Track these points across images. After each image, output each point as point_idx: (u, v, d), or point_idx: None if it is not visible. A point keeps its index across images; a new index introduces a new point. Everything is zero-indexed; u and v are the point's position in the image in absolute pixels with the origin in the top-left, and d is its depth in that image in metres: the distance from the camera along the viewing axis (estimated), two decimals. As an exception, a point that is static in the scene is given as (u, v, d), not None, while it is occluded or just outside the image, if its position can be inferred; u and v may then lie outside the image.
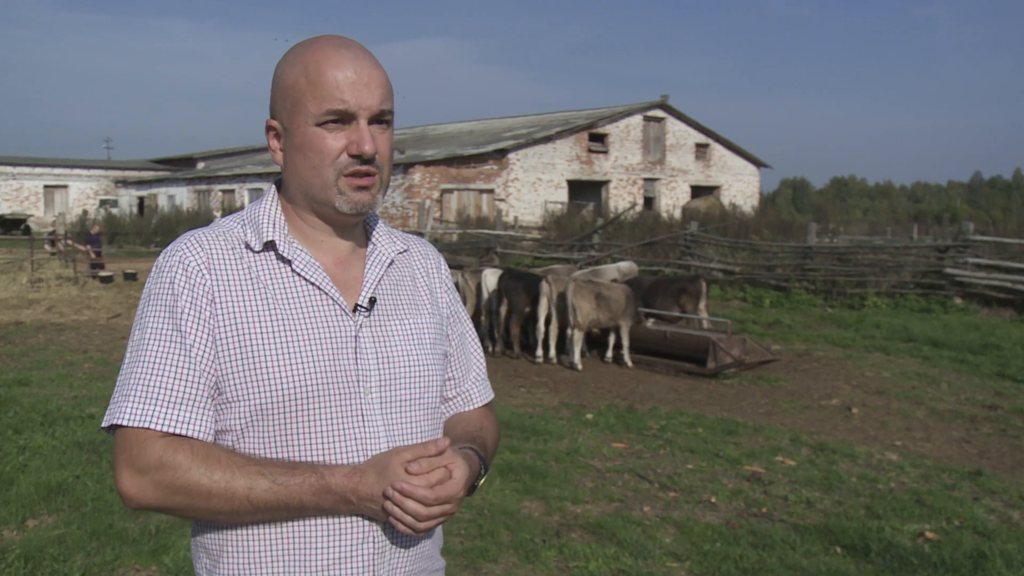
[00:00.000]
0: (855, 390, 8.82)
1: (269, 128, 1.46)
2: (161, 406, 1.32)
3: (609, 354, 10.26)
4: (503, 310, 10.76)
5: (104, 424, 1.35)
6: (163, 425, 1.31)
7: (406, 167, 30.90)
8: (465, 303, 11.13)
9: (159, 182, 45.87)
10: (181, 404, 1.33)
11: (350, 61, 1.38)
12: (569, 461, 5.96)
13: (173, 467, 1.30)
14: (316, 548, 1.36)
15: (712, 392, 8.74)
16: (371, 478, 1.32)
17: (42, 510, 4.70)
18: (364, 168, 1.39)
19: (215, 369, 1.35)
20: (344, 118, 1.38)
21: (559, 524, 4.74)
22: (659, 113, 38.31)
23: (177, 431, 1.32)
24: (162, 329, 1.35)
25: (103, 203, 44.69)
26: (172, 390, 1.33)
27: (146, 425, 1.31)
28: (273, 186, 1.51)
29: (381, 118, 1.41)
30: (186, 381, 1.33)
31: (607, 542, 4.46)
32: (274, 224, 1.44)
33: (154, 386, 1.32)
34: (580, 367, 9.86)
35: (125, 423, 1.31)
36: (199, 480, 1.29)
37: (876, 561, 4.26)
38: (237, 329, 1.36)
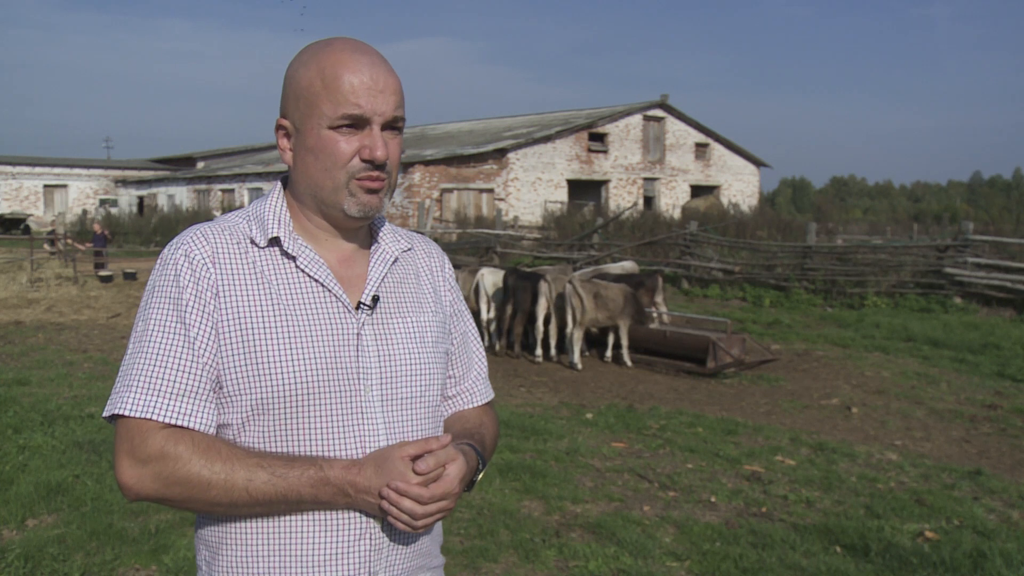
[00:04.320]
0: (855, 390, 8.82)
1: (279, 127, 1.46)
2: (164, 397, 1.32)
3: (608, 354, 10.26)
4: (508, 309, 10.76)
5: (105, 413, 1.36)
6: (165, 416, 1.32)
7: (406, 166, 30.89)
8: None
9: (159, 182, 45.85)
10: (184, 396, 1.33)
11: (367, 67, 1.39)
12: (569, 461, 5.96)
13: (174, 458, 1.30)
14: (312, 543, 1.36)
15: (712, 392, 8.74)
16: (369, 471, 1.33)
17: (42, 510, 4.70)
18: (375, 173, 1.40)
19: (217, 363, 1.36)
20: (358, 123, 1.38)
21: (559, 524, 4.74)
22: (659, 113, 38.31)
23: (179, 423, 1.33)
24: (166, 321, 1.36)
25: (103, 203, 44.69)
26: (175, 382, 1.33)
27: (148, 416, 1.31)
28: (279, 183, 1.51)
29: (393, 124, 1.42)
30: (189, 373, 1.34)
31: (607, 542, 4.46)
32: (279, 221, 1.44)
33: (157, 377, 1.33)
34: (580, 367, 9.86)
35: (127, 413, 1.32)
36: (199, 472, 1.30)
37: (876, 561, 4.26)
38: (240, 324, 1.36)
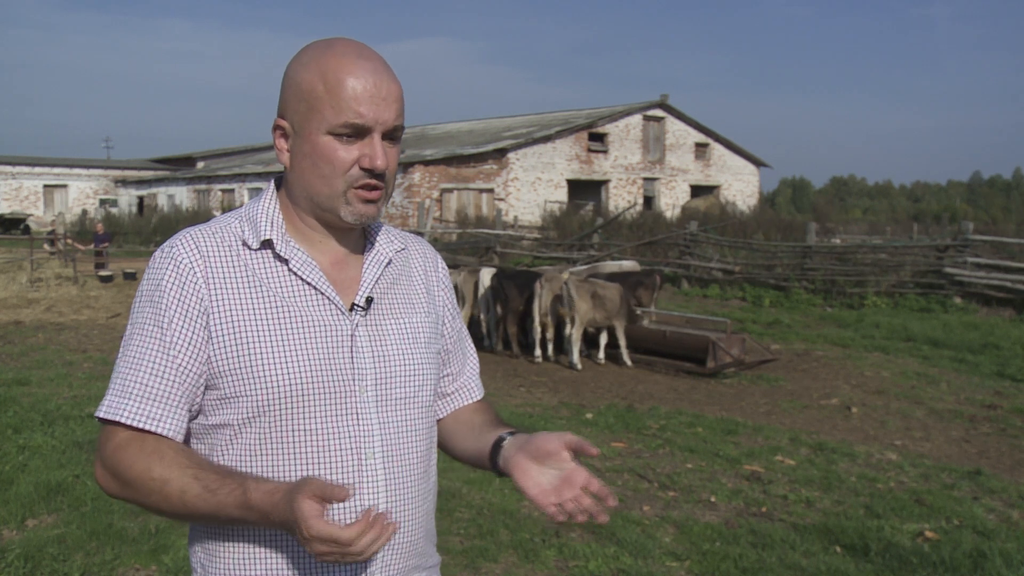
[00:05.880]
0: (855, 390, 8.82)
1: (277, 127, 1.44)
2: (133, 400, 1.34)
3: (601, 354, 10.25)
4: (498, 310, 10.77)
5: (95, 415, 1.39)
6: (131, 419, 1.33)
7: (406, 167, 30.90)
8: (463, 303, 11.14)
9: (159, 182, 45.86)
10: (154, 400, 1.34)
11: (370, 72, 1.37)
12: (569, 461, 5.96)
13: (118, 461, 1.32)
14: None
15: (712, 392, 8.74)
16: (280, 500, 1.23)
17: (42, 510, 4.70)
18: (373, 182, 1.39)
19: (208, 367, 1.36)
20: (359, 131, 1.37)
21: (558, 523, 4.73)
22: (659, 112, 38.31)
23: (143, 426, 1.33)
24: (145, 325, 1.37)
25: (103, 203, 44.68)
26: (146, 385, 1.34)
27: (115, 418, 1.34)
28: (272, 184, 1.50)
29: (393, 134, 1.41)
30: (161, 377, 1.34)
31: (606, 541, 4.46)
32: (272, 223, 1.44)
33: (130, 381, 1.35)
34: (579, 367, 9.86)
35: (101, 415, 1.35)
36: (139, 476, 1.31)
37: (875, 560, 4.26)
38: (233, 327, 1.36)
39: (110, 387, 1.37)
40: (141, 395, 1.34)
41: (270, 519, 1.25)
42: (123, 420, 1.33)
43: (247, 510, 1.26)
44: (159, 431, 1.34)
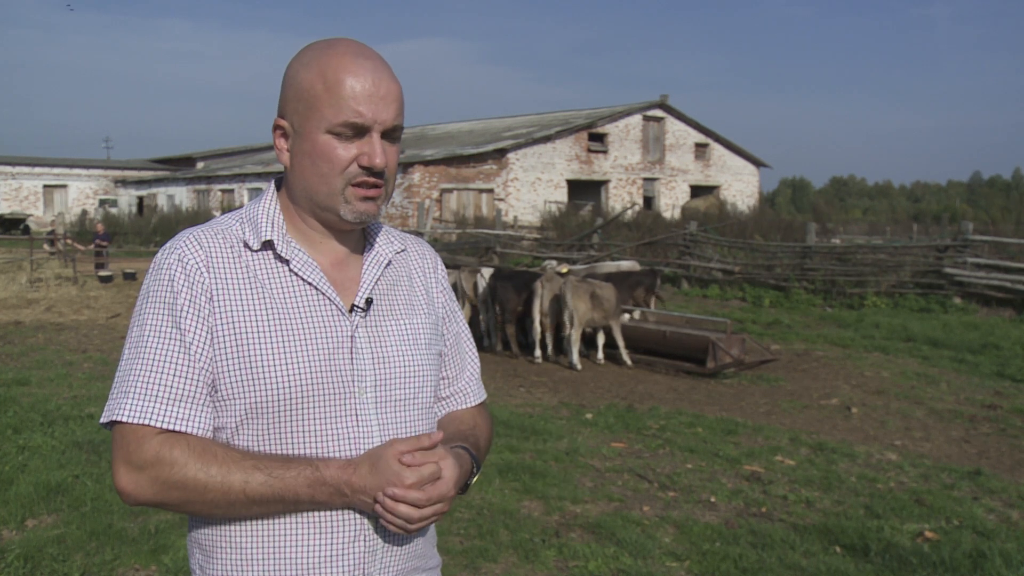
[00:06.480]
0: (855, 390, 8.82)
1: (277, 127, 1.45)
2: (161, 403, 1.32)
3: (600, 355, 10.24)
4: (497, 310, 10.77)
5: (103, 420, 1.36)
6: (162, 422, 1.32)
7: (406, 167, 30.91)
8: (463, 303, 11.14)
9: (158, 182, 45.86)
10: (181, 401, 1.33)
11: (370, 72, 1.38)
12: (568, 461, 5.96)
13: (169, 463, 1.30)
14: (307, 546, 1.36)
15: (711, 392, 8.74)
16: (364, 471, 1.32)
17: (41, 510, 4.70)
18: (372, 180, 1.40)
19: (212, 367, 1.36)
20: (358, 130, 1.38)
21: (558, 524, 4.74)
22: (658, 113, 38.32)
23: (176, 428, 1.33)
24: (162, 326, 1.35)
25: (102, 203, 44.67)
26: (172, 387, 1.33)
27: (145, 422, 1.31)
28: (272, 185, 1.51)
29: (392, 133, 1.41)
30: (186, 378, 1.34)
31: (606, 542, 4.46)
32: (272, 224, 1.44)
33: (154, 383, 1.33)
34: (579, 367, 9.86)
35: (125, 419, 1.32)
36: (195, 476, 1.30)
37: (875, 561, 4.26)
38: (234, 327, 1.36)
39: (128, 390, 1.33)
40: (168, 397, 1.33)
41: (341, 492, 1.33)
42: (155, 423, 1.31)
43: (319, 487, 1.32)
44: (195, 431, 1.34)
